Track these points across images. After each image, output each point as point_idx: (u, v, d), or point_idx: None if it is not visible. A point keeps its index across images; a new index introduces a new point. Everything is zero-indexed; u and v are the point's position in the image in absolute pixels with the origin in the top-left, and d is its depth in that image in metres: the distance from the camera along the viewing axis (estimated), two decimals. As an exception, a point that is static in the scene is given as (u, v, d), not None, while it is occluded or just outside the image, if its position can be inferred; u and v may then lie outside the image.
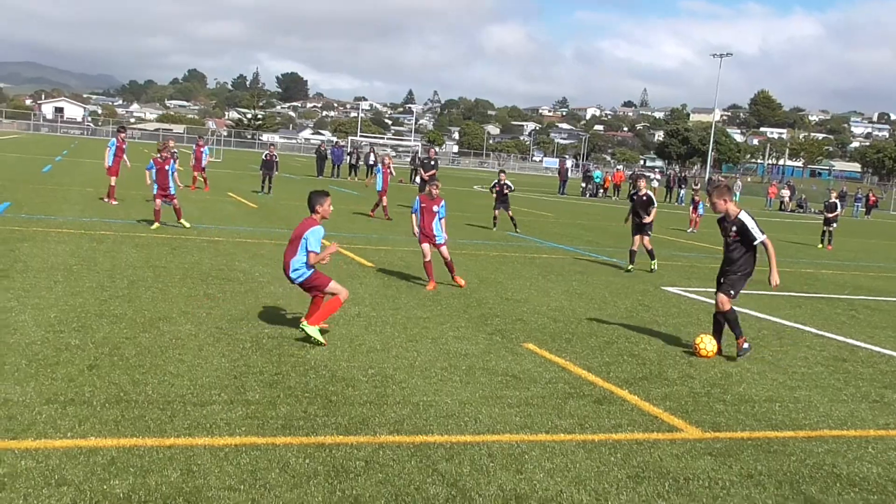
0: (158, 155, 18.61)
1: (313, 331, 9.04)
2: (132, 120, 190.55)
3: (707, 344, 9.97)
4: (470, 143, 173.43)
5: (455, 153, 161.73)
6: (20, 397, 6.58)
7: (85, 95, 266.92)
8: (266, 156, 33.12)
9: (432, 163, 31.40)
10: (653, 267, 17.92)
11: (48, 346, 8.09)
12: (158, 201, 18.32)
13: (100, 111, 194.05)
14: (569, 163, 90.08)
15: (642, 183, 18.55)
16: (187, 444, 5.92)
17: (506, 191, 24.60)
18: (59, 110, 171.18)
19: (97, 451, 5.67)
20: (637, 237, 17.82)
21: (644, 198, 18.03)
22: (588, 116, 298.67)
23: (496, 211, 25.00)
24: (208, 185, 31.84)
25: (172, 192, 18.56)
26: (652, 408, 7.79)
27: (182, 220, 18.47)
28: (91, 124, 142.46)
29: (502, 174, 25.14)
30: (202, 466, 5.57)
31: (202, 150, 32.53)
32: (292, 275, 9.51)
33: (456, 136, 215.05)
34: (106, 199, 23.03)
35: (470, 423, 6.93)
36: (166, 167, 18.43)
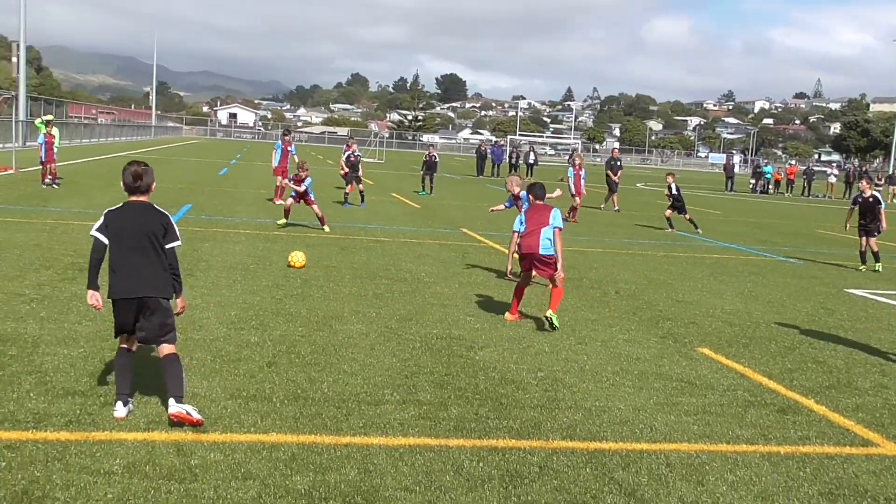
0: (296, 173, 18.52)
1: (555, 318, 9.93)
2: (299, 123, 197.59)
3: None
4: (631, 140, 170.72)
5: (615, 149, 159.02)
6: (206, 392, 6.86)
7: (256, 101, 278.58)
8: (426, 156, 33.47)
9: (618, 163, 31.11)
10: (878, 268, 17.77)
11: (230, 343, 8.42)
12: (290, 200, 18.25)
13: (269, 116, 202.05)
14: (736, 158, 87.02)
15: (866, 184, 18.57)
16: (363, 444, 6.02)
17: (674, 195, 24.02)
18: (233, 116, 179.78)
19: (279, 446, 5.84)
20: (864, 238, 17.98)
21: (871, 199, 18.09)
22: (756, 110, 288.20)
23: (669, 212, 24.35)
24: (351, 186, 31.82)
25: (311, 199, 18.26)
26: (842, 419, 7.37)
27: (325, 227, 18.32)
28: (261, 128, 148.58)
29: (669, 177, 24.48)
30: (378, 466, 5.64)
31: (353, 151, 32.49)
32: (543, 250, 10.06)
33: (616, 132, 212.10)
34: (275, 201, 23.83)
35: (645, 430, 6.74)
36: (302, 186, 18.26)
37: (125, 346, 6.35)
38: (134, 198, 6.36)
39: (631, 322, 10.88)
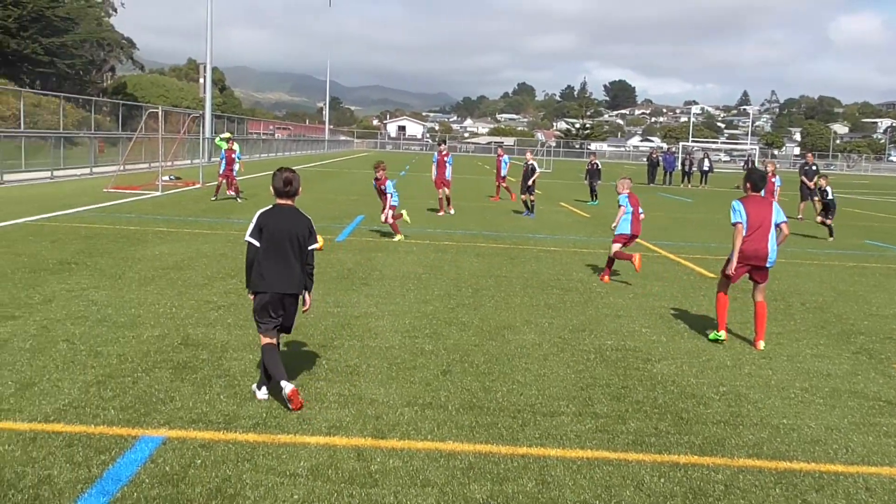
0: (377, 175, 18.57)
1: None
2: (465, 134, 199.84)
3: None
4: (813, 145, 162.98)
5: (796, 155, 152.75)
6: (384, 398, 6.98)
7: (424, 113, 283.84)
8: (589, 165, 33.16)
9: (814, 168, 29.86)
10: None
11: (405, 351, 8.55)
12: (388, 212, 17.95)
13: (437, 127, 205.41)
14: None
15: None
16: (540, 455, 5.96)
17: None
18: (402, 128, 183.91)
19: (455, 455, 5.86)
20: None
21: None
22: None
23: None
24: (514, 195, 31.43)
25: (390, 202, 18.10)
26: None
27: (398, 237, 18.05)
28: (429, 140, 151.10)
29: (822, 180, 23.27)
30: (556, 478, 5.57)
31: (502, 159, 31.72)
32: (771, 260, 9.49)
33: (797, 137, 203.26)
34: (440, 212, 24.08)
35: (840, 451, 6.36)
36: (382, 187, 18.31)
37: (270, 341, 6.76)
38: (283, 201, 6.92)
39: (819, 336, 10.34)
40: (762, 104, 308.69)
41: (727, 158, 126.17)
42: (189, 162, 42.47)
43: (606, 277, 13.76)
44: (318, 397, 6.87)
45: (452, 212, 24.24)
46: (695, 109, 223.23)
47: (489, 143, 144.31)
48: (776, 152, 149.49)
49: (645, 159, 65.55)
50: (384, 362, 8.07)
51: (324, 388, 7.14)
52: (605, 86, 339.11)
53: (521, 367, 8.19)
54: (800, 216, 28.93)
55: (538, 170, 25.76)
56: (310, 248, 6.86)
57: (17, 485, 4.95)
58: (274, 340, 6.80)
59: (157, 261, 13.01)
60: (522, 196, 25.67)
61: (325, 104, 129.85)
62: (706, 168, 51.58)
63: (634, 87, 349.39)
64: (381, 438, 6.07)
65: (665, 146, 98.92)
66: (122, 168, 30.35)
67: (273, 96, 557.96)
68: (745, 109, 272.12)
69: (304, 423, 6.25)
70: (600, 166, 34.09)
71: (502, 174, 31.26)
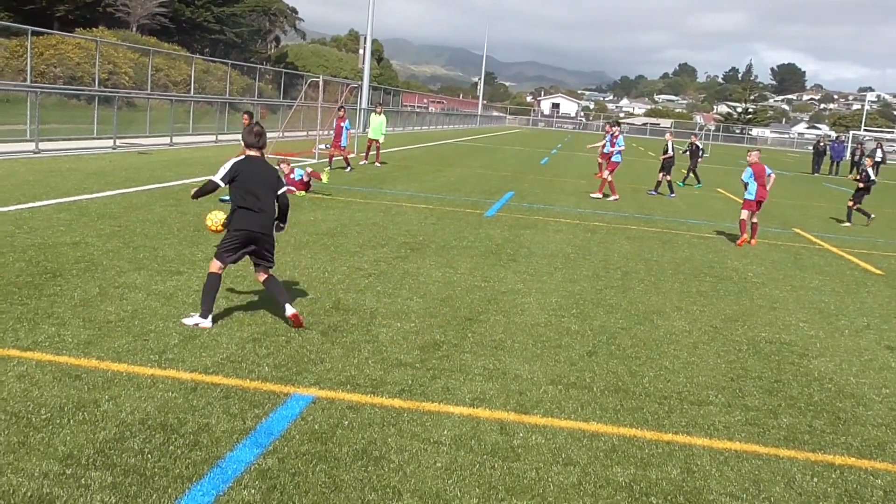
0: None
1: None
2: (621, 114, 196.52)
3: None
4: None
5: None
6: (528, 375, 6.98)
7: (579, 92, 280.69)
8: (689, 146, 31.32)
9: None
10: None
11: (551, 329, 8.51)
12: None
13: (592, 106, 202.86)
14: None
15: None
16: (686, 443, 5.82)
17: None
18: (556, 106, 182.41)
19: (599, 436, 5.80)
20: None
21: None
22: None
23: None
24: (601, 173, 28.91)
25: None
26: None
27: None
28: (583, 119, 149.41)
29: (868, 159, 21.72)
30: (702, 468, 5.44)
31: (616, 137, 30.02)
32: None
33: None
34: (604, 195, 23.12)
35: None
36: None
37: (218, 272, 7.57)
38: (252, 152, 7.71)
39: None
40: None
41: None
42: (355, 131, 43.46)
43: (744, 241, 15.87)
44: (463, 369, 6.93)
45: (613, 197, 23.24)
46: (870, 96, 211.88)
47: (644, 124, 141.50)
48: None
49: (811, 147, 62.73)
50: (529, 339, 8.06)
51: (469, 360, 7.19)
52: (772, 69, 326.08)
53: (670, 354, 8.02)
54: None
55: (703, 150, 25.34)
56: (280, 192, 7.77)
57: (179, 430, 5.21)
58: (221, 272, 7.58)
59: (312, 226, 13.40)
60: (663, 176, 25.32)
61: (479, 79, 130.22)
62: (879, 158, 48.93)
63: (804, 72, 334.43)
64: (525, 414, 6.07)
65: (833, 134, 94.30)
66: (281, 135, 31.35)
67: (429, 69, 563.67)
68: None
69: (448, 394, 6.32)
70: (702, 147, 32.36)
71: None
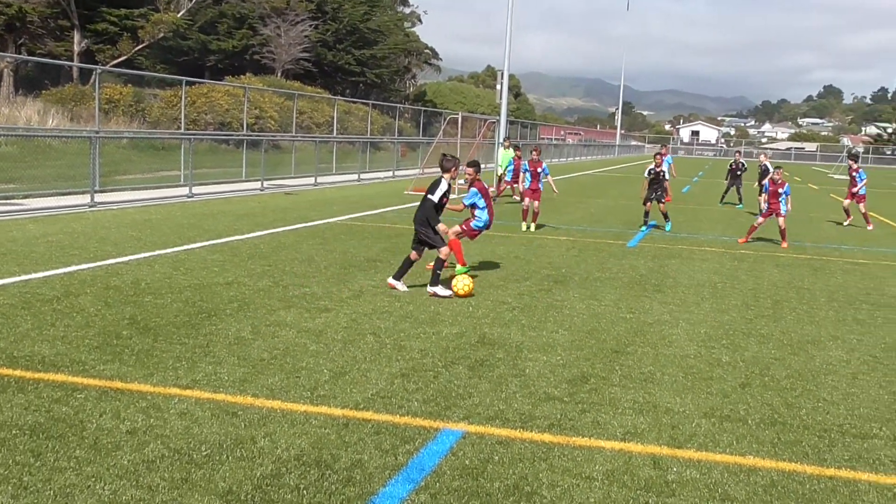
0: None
1: None
2: (763, 140, 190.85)
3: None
4: None
5: None
6: (680, 408, 6.85)
7: (719, 118, 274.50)
8: (732, 164, 29.98)
9: None
10: None
11: (701, 361, 8.33)
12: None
13: (732, 132, 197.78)
14: None
15: None
16: (850, 478, 5.59)
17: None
18: (695, 133, 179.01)
19: (756, 470, 5.64)
20: None
21: None
22: None
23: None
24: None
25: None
26: None
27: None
28: (723, 145, 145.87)
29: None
30: (868, 503, 5.21)
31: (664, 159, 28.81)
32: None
33: None
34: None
35: None
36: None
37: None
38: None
39: None
40: None
41: None
42: (484, 166, 43.88)
43: None
44: (613, 403, 6.86)
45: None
46: None
47: (788, 149, 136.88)
48: None
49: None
50: (679, 371, 7.91)
51: (618, 393, 7.12)
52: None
53: (828, 385, 7.72)
54: None
55: (770, 169, 24.48)
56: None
57: (333, 466, 5.35)
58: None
59: (449, 260, 13.54)
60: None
61: (617, 109, 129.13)
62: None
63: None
64: (678, 448, 5.96)
65: None
66: (421, 172, 31.95)
67: (565, 101, 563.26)
68: None
69: (598, 428, 6.27)
70: (746, 166, 30.45)
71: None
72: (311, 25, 58.73)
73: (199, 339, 8.08)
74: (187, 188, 22.19)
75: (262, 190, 25.44)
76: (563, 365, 7.88)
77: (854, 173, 24.39)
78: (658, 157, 20.05)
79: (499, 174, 28.33)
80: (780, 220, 18.33)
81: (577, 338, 8.92)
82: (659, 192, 20.07)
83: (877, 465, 5.85)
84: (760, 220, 18.70)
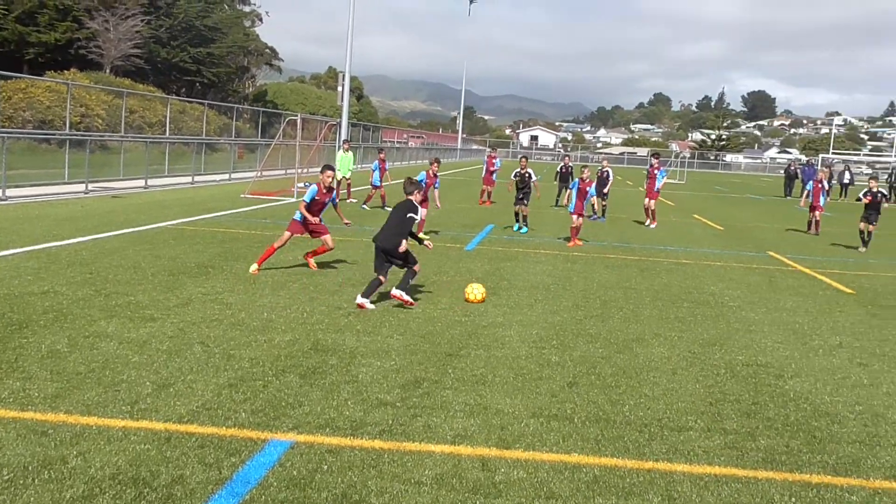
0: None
1: None
2: (599, 144, 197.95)
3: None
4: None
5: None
6: (510, 409, 6.98)
7: (557, 123, 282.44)
8: (561, 168, 31.92)
9: None
10: None
11: (532, 361, 8.53)
12: None
13: (570, 137, 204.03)
14: None
15: None
16: (667, 470, 5.85)
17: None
18: (534, 138, 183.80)
19: (580, 467, 5.81)
20: None
21: None
22: None
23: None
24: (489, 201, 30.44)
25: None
26: None
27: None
28: (561, 150, 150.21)
29: (872, 181, 22.01)
30: (683, 494, 5.46)
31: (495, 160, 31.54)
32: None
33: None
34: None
35: None
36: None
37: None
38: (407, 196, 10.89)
39: (968, 357, 9.79)
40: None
41: (869, 171, 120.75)
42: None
43: None
44: (444, 406, 6.93)
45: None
46: (837, 120, 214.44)
47: (622, 154, 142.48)
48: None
49: (782, 171, 63.39)
50: (510, 372, 8.07)
51: (450, 397, 7.19)
52: (742, 96, 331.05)
53: (650, 381, 8.06)
54: None
55: (612, 177, 27.59)
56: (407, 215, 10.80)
57: (152, 483, 5.15)
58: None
59: (290, 266, 13.39)
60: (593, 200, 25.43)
61: (458, 113, 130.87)
62: (847, 181, 49.45)
63: (774, 98, 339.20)
64: (507, 449, 6.07)
65: (804, 158, 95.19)
66: (259, 174, 31.41)
67: (408, 105, 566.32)
68: (891, 121, 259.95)
69: (429, 432, 6.32)
70: (571, 168, 31.96)
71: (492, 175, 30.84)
72: (143, 20, 56.66)
73: (7, 354, 7.60)
74: (0, 190, 20.94)
75: (86, 193, 24.29)
76: (397, 370, 7.90)
77: (655, 171, 26.10)
78: (490, 158, 21.21)
79: (338, 178, 28.13)
80: (578, 219, 19.09)
81: (412, 342, 8.97)
82: (521, 195, 21.43)
83: (691, 456, 6.14)
84: (577, 220, 19.12)
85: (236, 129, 43.69)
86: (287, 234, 12.98)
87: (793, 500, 5.45)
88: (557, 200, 31.57)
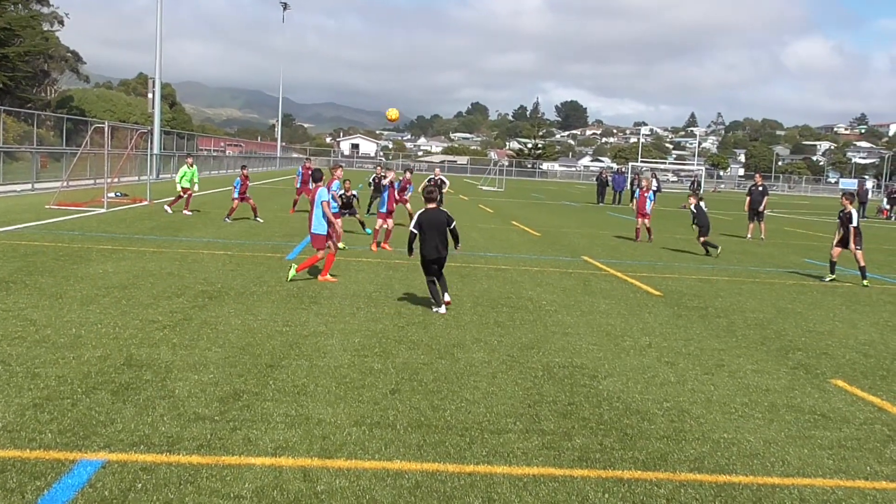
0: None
1: None
2: (419, 153, 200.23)
3: None
4: (756, 166, 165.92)
5: (741, 176, 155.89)
6: (332, 418, 6.95)
7: (377, 132, 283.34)
8: (374, 178, 31.74)
9: (761, 188, 29.62)
10: None
11: (354, 370, 8.52)
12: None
13: (390, 146, 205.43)
14: (869, 184, 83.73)
15: None
16: (487, 472, 5.97)
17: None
18: (355, 146, 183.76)
19: (403, 473, 5.85)
20: None
21: None
22: (891, 133, 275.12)
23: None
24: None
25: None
26: None
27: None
28: (382, 158, 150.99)
29: (692, 198, 23.83)
30: (502, 495, 5.59)
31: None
32: None
33: (742, 158, 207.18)
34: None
35: (777, 464, 6.49)
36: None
37: (431, 277, 12.19)
38: (431, 205, 12.21)
39: (759, 352, 10.53)
40: (708, 126, 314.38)
41: (675, 179, 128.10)
42: (137, 179, 41.89)
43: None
44: (265, 418, 6.82)
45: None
46: (644, 130, 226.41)
47: (442, 162, 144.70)
48: (721, 173, 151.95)
49: (595, 179, 66.22)
50: (333, 382, 8.03)
51: (270, 408, 7.08)
52: (556, 106, 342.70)
53: (470, 385, 8.21)
54: (748, 236, 29.38)
55: (447, 183, 27.04)
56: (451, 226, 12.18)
57: (-49, 510, 4.83)
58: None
59: (101, 279, 12.82)
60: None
61: (277, 121, 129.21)
62: (655, 188, 52.10)
63: (586, 108, 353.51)
64: (328, 458, 6.04)
65: (615, 166, 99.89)
66: (65, 184, 29.90)
67: (224, 112, 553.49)
68: (692, 131, 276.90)
69: (249, 445, 6.20)
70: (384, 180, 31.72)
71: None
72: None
73: None
74: None
75: None
76: (215, 383, 7.71)
77: (645, 194, 26.72)
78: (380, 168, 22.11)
79: (178, 190, 27.15)
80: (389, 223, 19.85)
81: (231, 354, 8.78)
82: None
83: (510, 458, 6.30)
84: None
85: (38, 136, 41.38)
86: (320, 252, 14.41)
87: (606, 496, 5.68)
88: (370, 208, 31.09)
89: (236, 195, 25.34)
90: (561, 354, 9.75)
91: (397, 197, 21.74)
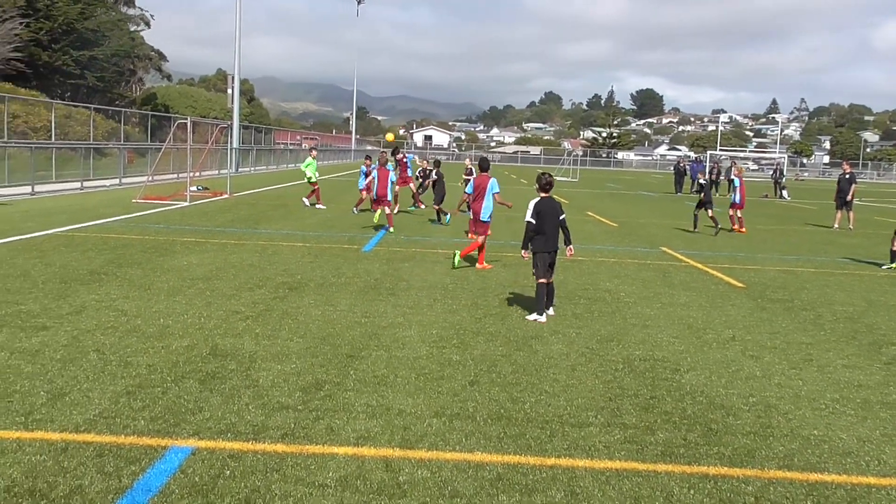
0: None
1: None
2: (492, 144, 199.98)
3: None
4: (843, 153, 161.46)
5: (825, 164, 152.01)
6: (412, 409, 6.98)
7: (450, 123, 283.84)
8: (420, 172, 30.73)
9: (847, 176, 28.93)
10: None
11: (432, 361, 8.55)
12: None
13: (463, 137, 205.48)
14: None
15: None
16: (568, 465, 5.93)
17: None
18: (428, 138, 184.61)
19: (483, 465, 5.85)
20: None
21: None
22: None
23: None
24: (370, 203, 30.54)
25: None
26: None
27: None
28: (455, 149, 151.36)
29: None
30: (585, 489, 5.54)
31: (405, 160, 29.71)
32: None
33: (826, 145, 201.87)
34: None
35: (872, 463, 6.29)
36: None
37: (543, 280, 10.97)
38: (545, 194, 11.20)
39: (850, 347, 10.24)
40: (791, 112, 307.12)
41: (755, 167, 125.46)
42: (217, 172, 42.74)
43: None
44: (346, 408, 6.88)
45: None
46: (723, 118, 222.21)
47: (515, 153, 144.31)
48: (805, 161, 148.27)
49: (672, 168, 65.24)
50: (412, 373, 8.07)
51: (352, 398, 7.15)
52: (631, 95, 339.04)
53: (549, 378, 8.17)
54: (835, 226, 28.63)
55: (434, 172, 27.50)
56: (561, 217, 11.18)
57: (49, 495, 4.99)
58: (547, 280, 11.03)
59: (186, 271, 13.11)
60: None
61: (351, 114, 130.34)
62: (733, 177, 51.09)
63: (662, 96, 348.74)
64: (410, 449, 6.07)
65: (692, 155, 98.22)
66: (150, 179, 30.63)
67: (300, 106, 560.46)
68: (773, 118, 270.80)
69: (332, 434, 6.27)
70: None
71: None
72: (21, 23, 54.49)
73: None
74: None
75: (-31, 199, 23.30)
76: (297, 373, 7.81)
77: (734, 178, 28.37)
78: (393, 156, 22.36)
79: (312, 179, 27.86)
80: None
81: (312, 344, 8.88)
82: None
83: (592, 451, 6.24)
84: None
85: (125, 133, 42.51)
86: (482, 237, 15.47)
87: (691, 492, 5.59)
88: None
89: (362, 185, 25.85)
90: (641, 347, 9.63)
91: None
